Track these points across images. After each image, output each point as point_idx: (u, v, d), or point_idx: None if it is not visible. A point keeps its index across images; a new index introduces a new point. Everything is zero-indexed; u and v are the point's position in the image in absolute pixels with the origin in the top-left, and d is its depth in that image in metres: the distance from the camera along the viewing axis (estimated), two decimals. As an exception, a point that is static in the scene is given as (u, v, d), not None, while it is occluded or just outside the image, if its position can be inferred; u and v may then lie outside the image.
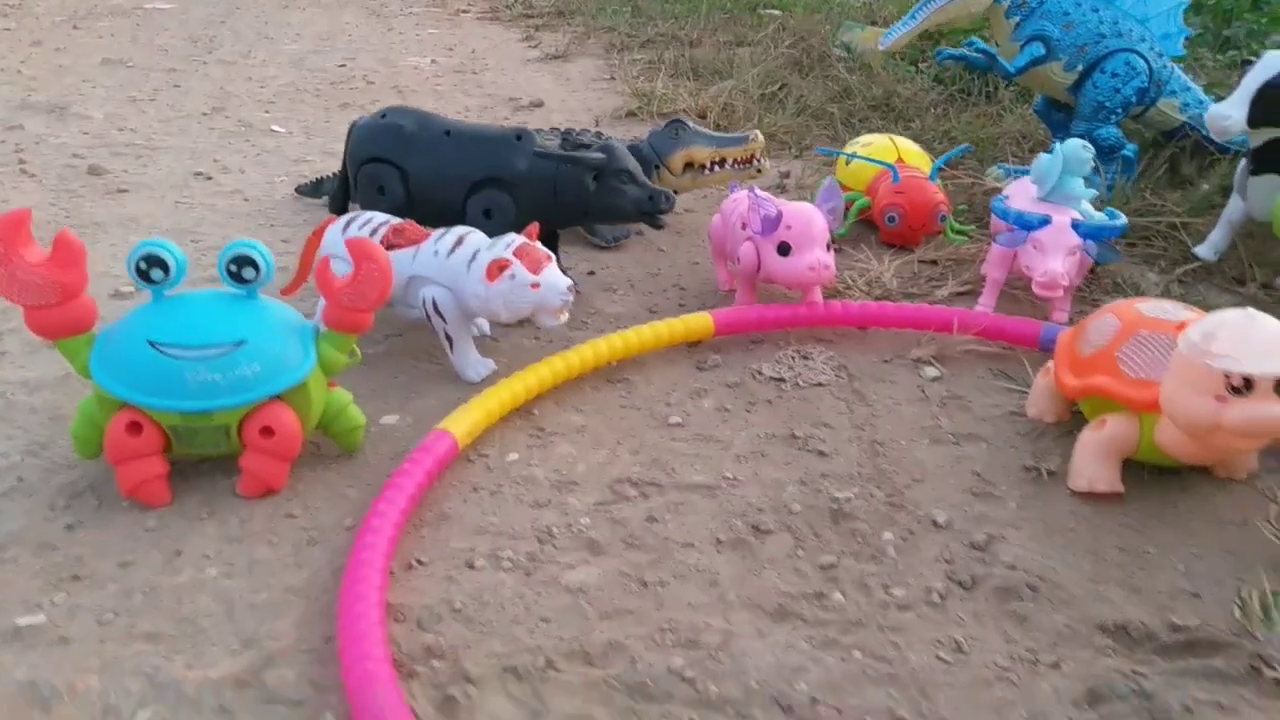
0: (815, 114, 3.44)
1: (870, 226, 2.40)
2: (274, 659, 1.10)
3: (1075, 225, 1.78)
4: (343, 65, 4.58)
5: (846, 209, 2.34)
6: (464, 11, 6.43)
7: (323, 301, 1.40)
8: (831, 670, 1.10)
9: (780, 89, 3.73)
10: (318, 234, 1.73)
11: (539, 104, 3.79)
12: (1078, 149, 1.85)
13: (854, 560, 1.29)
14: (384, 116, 2.01)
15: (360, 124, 2.05)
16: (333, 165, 2.79)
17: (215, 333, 1.32)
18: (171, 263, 1.33)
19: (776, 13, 5.33)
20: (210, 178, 2.85)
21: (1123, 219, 1.82)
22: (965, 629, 1.17)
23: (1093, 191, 1.88)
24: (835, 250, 2.26)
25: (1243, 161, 2.08)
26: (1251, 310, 1.25)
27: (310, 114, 3.65)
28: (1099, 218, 1.83)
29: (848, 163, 2.47)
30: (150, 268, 1.33)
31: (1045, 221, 1.77)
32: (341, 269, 1.43)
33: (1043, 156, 1.89)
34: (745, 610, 1.20)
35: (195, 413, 1.31)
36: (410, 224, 1.72)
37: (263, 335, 1.34)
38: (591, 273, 2.21)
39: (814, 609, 1.20)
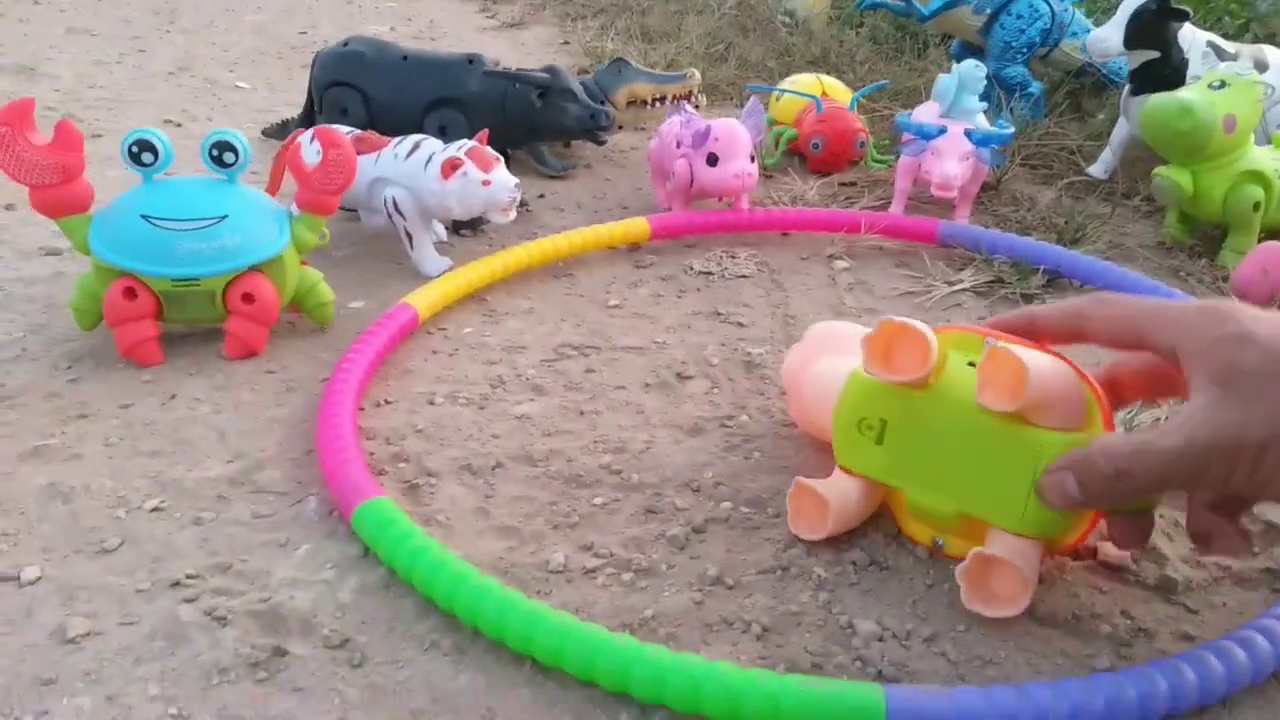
0: (755, 69, 3.65)
1: (801, 157, 2.61)
2: (262, 464, 1.29)
3: (968, 134, 2.00)
4: (303, 33, 4.71)
5: (779, 136, 2.56)
6: (422, -12, 6.57)
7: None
8: (735, 465, 1.31)
9: (725, 48, 3.94)
10: (287, 147, 1.91)
11: (495, 64, 3.96)
12: (971, 69, 2.08)
13: (761, 396, 1.50)
14: (346, 44, 2.19)
15: (324, 52, 2.23)
16: (296, 112, 2.96)
17: (201, 208, 1.50)
18: (160, 148, 1.51)
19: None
20: (180, 125, 3.00)
21: (1010, 128, 2.06)
22: (850, 437, 1.38)
23: (985, 105, 2.11)
24: (768, 177, 2.50)
25: (1126, 86, 2.32)
26: None
27: (273, 72, 3.79)
28: (990, 128, 2.06)
29: (778, 98, 2.69)
30: (141, 151, 1.50)
31: (941, 131, 2.00)
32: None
33: (942, 77, 2.11)
34: (666, 429, 1.41)
35: (185, 279, 1.49)
36: (371, 133, 1.90)
37: (243, 212, 1.53)
38: (541, 196, 2.40)
39: (724, 427, 1.41)
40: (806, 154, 2.51)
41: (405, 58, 2.10)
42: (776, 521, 1.20)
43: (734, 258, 2.03)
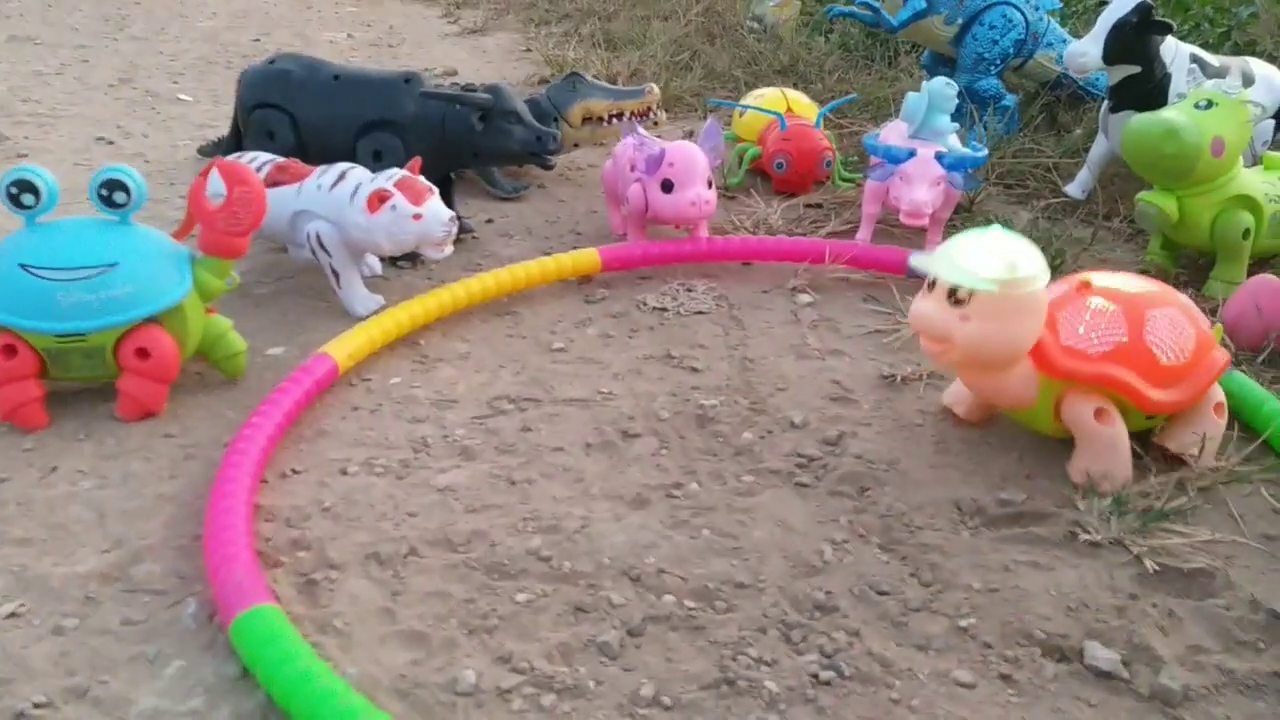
0: (721, 78, 3.51)
1: (764, 177, 2.47)
2: (141, 555, 1.14)
3: (939, 157, 1.87)
4: (257, 40, 4.54)
5: (742, 154, 2.42)
6: (386, -8, 6.39)
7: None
8: (680, 546, 1.17)
9: (690, 57, 3.80)
10: (204, 175, 1.75)
11: (453, 73, 3.81)
12: (942, 87, 1.95)
13: (713, 458, 1.36)
14: (272, 63, 2.03)
15: (249, 71, 2.06)
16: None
17: (86, 255, 1.34)
18: (42, 188, 1.35)
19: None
20: (112, 142, 2.83)
21: (984, 150, 1.93)
22: (809, 508, 1.25)
23: (956, 125, 1.98)
24: (730, 198, 2.36)
25: (1105, 102, 2.19)
26: (994, 229, 1.22)
27: (219, 83, 3.62)
28: (962, 150, 1.93)
29: (741, 114, 2.55)
30: (21, 193, 1.34)
31: (910, 155, 1.87)
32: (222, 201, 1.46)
33: (910, 95, 1.98)
34: (606, 501, 1.26)
35: (68, 334, 1.34)
36: (294, 161, 1.75)
37: (135, 258, 1.37)
38: (490, 220, 2.25)
39: (670, 497, 1.27)
40: (770, 173, 2.37)
41: (337, 77, 1.95)
42: (725, 618, 1.06)
43: (691, 291, 1.89)
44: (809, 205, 2.31)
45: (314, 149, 1.96)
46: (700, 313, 1.81)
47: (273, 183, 1.70)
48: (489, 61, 4.10)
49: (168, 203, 2.24)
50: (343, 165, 1.71)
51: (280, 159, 1.77)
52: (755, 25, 4.18)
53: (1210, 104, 1.76)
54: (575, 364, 1.62)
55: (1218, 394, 1.30)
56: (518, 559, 1.14)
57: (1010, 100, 2.62)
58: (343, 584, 1.10)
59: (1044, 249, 1.94)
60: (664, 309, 1.82)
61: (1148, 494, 1.23)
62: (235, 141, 2.17)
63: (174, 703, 0.93)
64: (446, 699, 0.95)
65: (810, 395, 1.52)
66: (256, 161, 1.74)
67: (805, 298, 1.86)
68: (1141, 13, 2.00)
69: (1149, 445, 1.32)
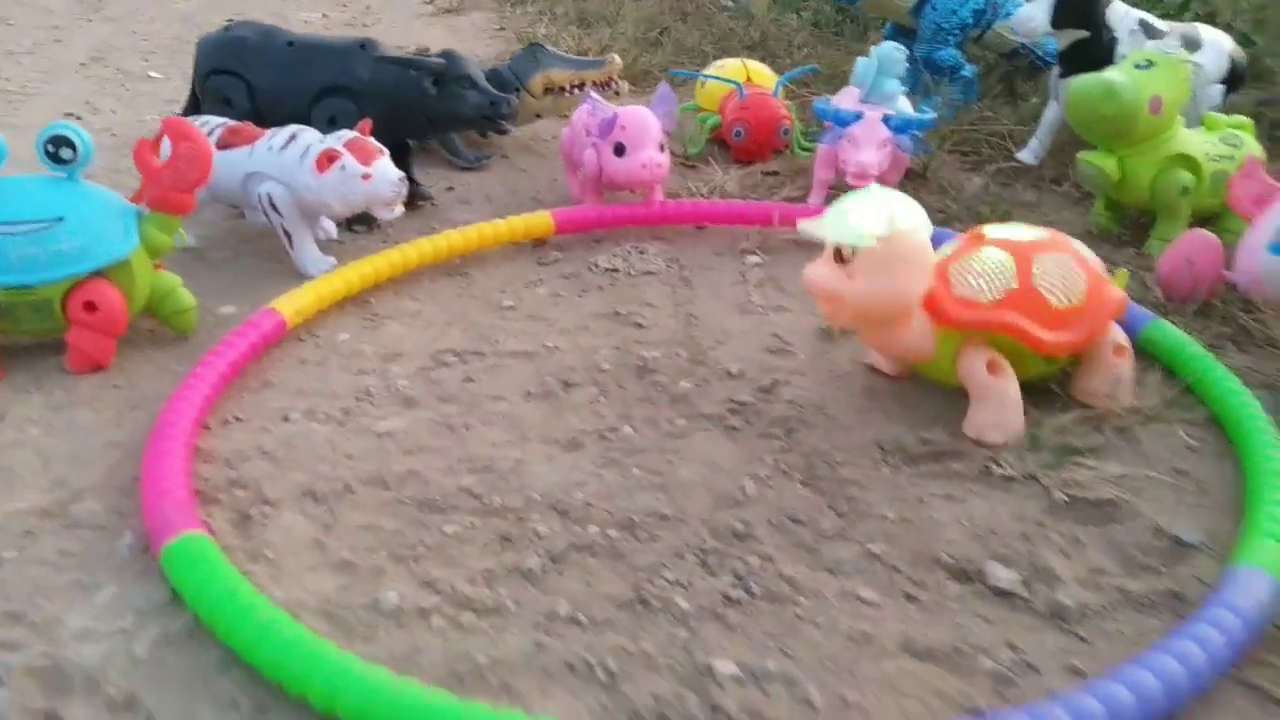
0: (691, 54, 3.53)
1: (725, 145, 2.50)
2: (82, 494, 1.17)
3: (886, 120, 1.90)
4: (231, 20, 4.54)
5: (703, 123, 2.45)
6: (363, -27, 6.39)
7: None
8: (609, 483, 1.21)
9: (661, 33, 3.82)
10: (156, 141, 1.77)
11: (425, 50, 3.82)
12: (890, 51, 1.98)
13: (650, 404, 1.39)
14: (228, 29, 2.05)
15: (205, 38, 2.09)
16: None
17: (33, 209, 1.37)
18: (79, 144, 1.38)
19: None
20: (80, 118, 2.85)
21: (931, 113, 1.96)
22: (738, 449, 1.28)
23: (904, 88, 2.01)
24: (691, 166, 2.39)
25: (1056, 67, 2.23)
26: (873, 188, 1.27)
27: (190, 61, 3.63)
28: (910, 113, 1.96)
29: (702, 84, 2.58)
30: (59, 149, 1.37)
31: (857, 117, 1.90)
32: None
33: (860, 60, 2.01)
34: (541, 444, 1.30)
35: (15, 287, 1.36)
36: (246, 125, 1.77)
37: (82, 213, 1.40)
38: (451, 188, 2.28)
39: (604, 440, 1.30)
40: (730, 142, 2.40)
41: (291, 43, 1.97)
42: (646, 546, 1.10)
43: (643, 253, 1.92)
44: (766, 173, 2.34)
45: (269, 115, 1.98)
46: (650, 273, 1.84)
47: (225, 145, 1.73)
48: (463, 40, 4.11)
49: (129, 171, 2.25)
50: (294, 127, 1.73)
51: (232, 122, 1.79)
52: (730, 3, 4.20)
53: (1149, 64, 1.79)
54: (523, 321, 1.65)
55: (1118, 337, 1.33)
56: (449, 495, 1.18)
57: (969, 70, 2.65)
58: (276, 519, 1.13)
59: (992, 212, 2.00)
60: (615, 270, 1.85)
61: (1064, 431, 1.27)
62: (194, 108, 2.20)
63: (105, 624, 0.97)
64: (369, 619, 0.98)
65: (749, 348, 1.55)
66: (209, 125, 1.77)
67: (754, 259, 1.89)
68: (1087, -23, 2.03)
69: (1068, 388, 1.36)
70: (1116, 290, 1.33)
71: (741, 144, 2.37)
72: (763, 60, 3.39)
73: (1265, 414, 1.25)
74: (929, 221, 1.24)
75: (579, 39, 3.72)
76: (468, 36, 4.21)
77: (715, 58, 3.44)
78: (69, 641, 0.94)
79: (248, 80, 1.99)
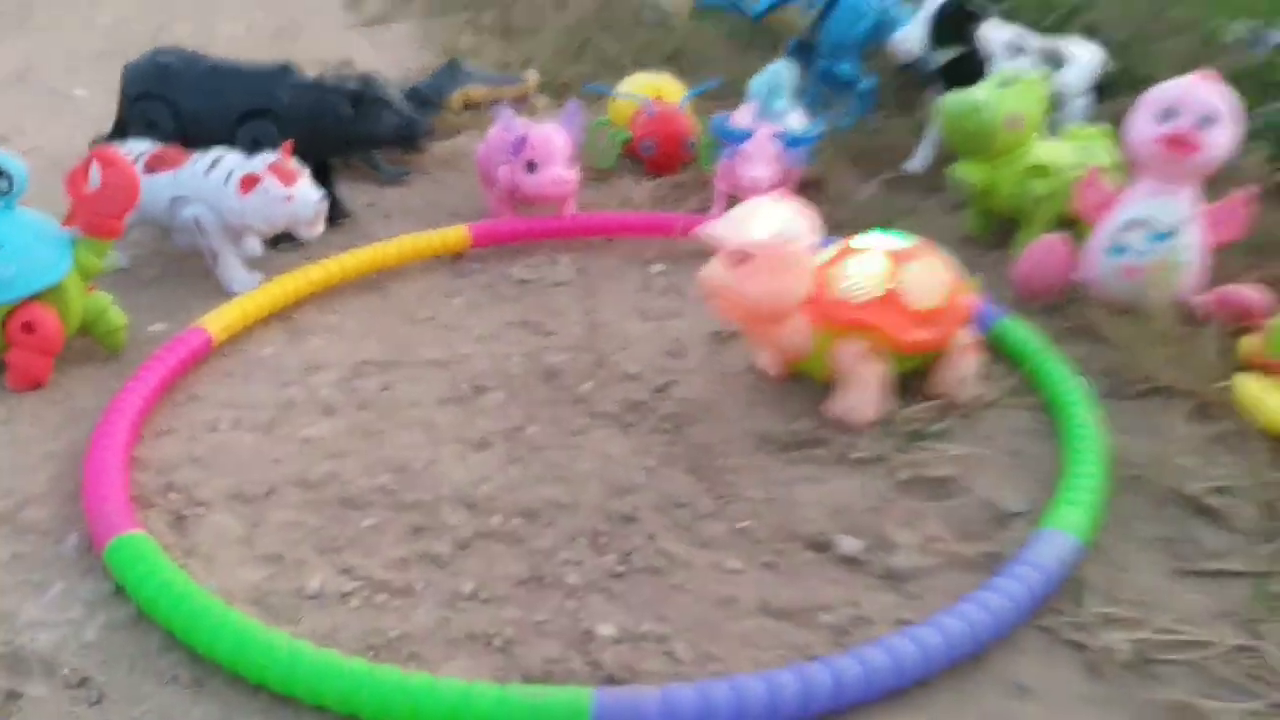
0: (612, 65, 3.67)
1: (637, 159, 2.65)
2: (28, 503, 1.28)
3: (777, 135, 2.06)
4: (156, 34, 4.57)
5: (614, 139, 2.59)
6: (291, -19, 6.41)
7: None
8: (513, 477, 1.35)
9: (583, 44, 3.95)
10: (85, 168, 1.86)
11: (348, 64, 3.90)
12: (780, 70, 2.15)
13: (554, 406, 1.54)
14: (153, 56, 2.15)
15: (130, 64, 2.18)
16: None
17: (-30, 238, 1.46)
18: (14, 173, 1.47)
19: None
20: (6, 139, 2.89)
21: (818, 129, 2.13)
22: (632, 441, 1.43)
23: (790, 108, 2.17)
24: (603, 179, 2.53)
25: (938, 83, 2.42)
26: (765, 198, 1.43)
27: (116, 78, 3.66)
28: (798, 130, 2.13)
29: (613, 100, 2.73)
30: None
31: (749, 134, 2.06)
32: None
33: (754, 80, 2.17)
34: (453, 444, 1.43)
35: (-45, 312, 1.46)
36: (171, 149, 1.87)
37: (18, 240, 1.50)
38: (371, 204, 2.40)
39: (510, 440, 1.44)
40: (640, 155, 2.55)
41: (215, 68, 2.07)
42: (544, 532, 1.24)
43: (555, 264, 2.06)
44: (674, 185, 2.50)
45: (195, 137, 2.08)
46: (561, 283, 1.99)
47: (151, 170, 1.83)
48: (388, 51, 4.20)
49: (59, 189, 2.32)
50: (217, 151, 1.84)
51: (157, 147, 1.89)
52: (651, 13, 4.36)
53: (1010, 82, 1.98)
54: (439, 331, 1.78)
55: (970, 335, 1.51)
56: (367, 493, 1.31)
57: (867, 83, 2.83)
58: (208, 518, 1.25)
59: (880, 219, 2.17)
60: (528, 280, 1.99)
61: (915, 419, 1.45)
62: (120, 131, 2.28)
63: (56, 614, 1.08)
64: (294, 602, 1.11)
65: (648, 351, 1.70)
66: (135, 150, 1.87)
67: (658, 268, 2.05)
68: (959, 1, 2.23)
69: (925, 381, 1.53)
70: (970, 294, 1.51)
71: (651, 157, 2.53)
72: (680, 71, 3.57)
73: (1088, 398, 1.44)
74: (815, 229, 1.40)
75: (503, 50, 3.84)
76: (392, 48, 4.30)
77: (635, 69, 3.61)
78: (25, 630, 1.06)
79: (173, 104, 2.09)
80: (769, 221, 1.33)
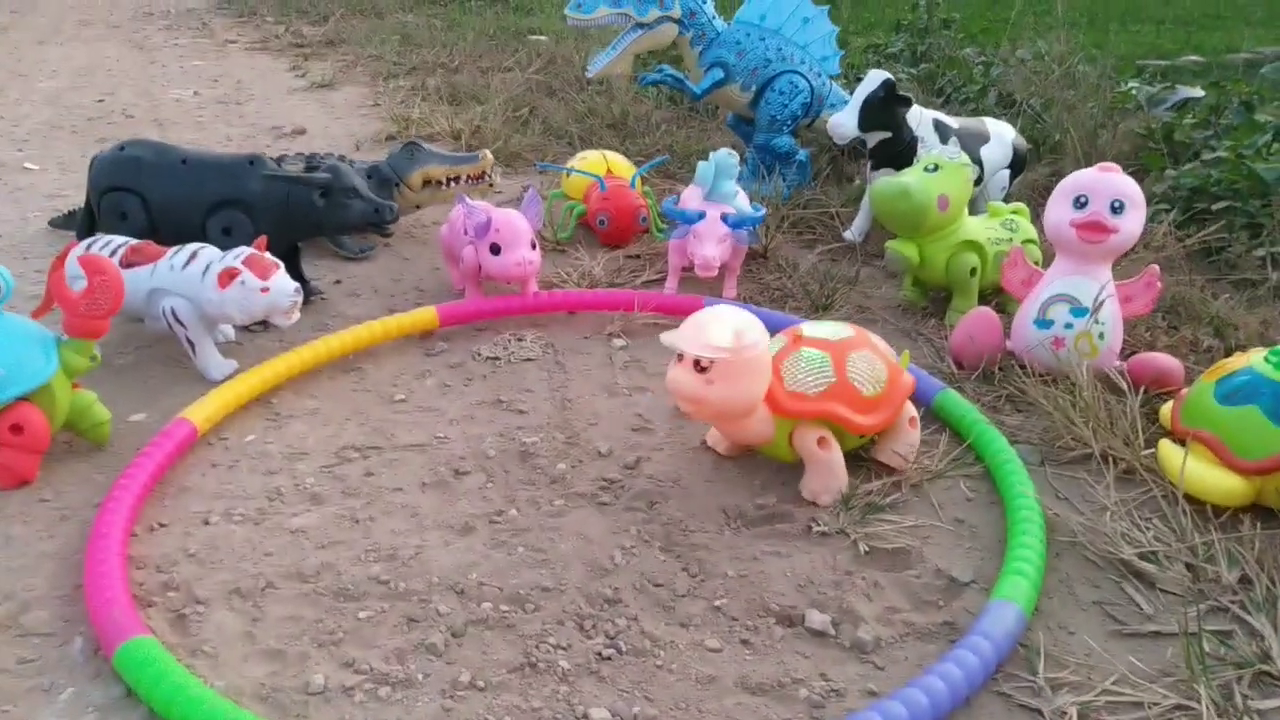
0: (558, 133, 3.81)
1: (592, 231, 2.76)
2: (29, 605, 1.31)
3: (725, 218, 2.20)
4: (101, 100, 4.58)
5: (569, 211, 2.70)
6: (232, 43, 6.45)
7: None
8: (498, 563, 1.43)
9: (529, 111, 4.08)
10: (61, 259, 1.91)
11: (301, 131, 3.98)
12: (725, 157, 2.28)
13: (531, 487, 1.62)
14: (122, 149, 2.20)
15: (100, 156, 2.23)
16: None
17: (-41, 344, 1.50)
18: (1, 284, 1.51)
19: (544, 38, 5.72)
20: (-42, 217, 2.89)
21: (762, 211, 2.27)
22: (607, 522, 1.52)
23: (737, 190, 2.30)
24: (561, 252, 2.64)
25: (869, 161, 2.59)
26: (720, 306, 1.57)
27: (65, 150, 3.68)
28: (746, 210, 2.27)
29: (567, 176, 2.84)
30: None
31: (700, 216, 2.19)
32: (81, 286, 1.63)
33: (701, 164, 2.30)
34: (438, 530, 1.50)
35: (-57, 416, 1.49)
36: (148, 243, 1.93)
37: (6, 344, 1.54)
38: (338, 281, 2.47)
39: (493, 523, 1.52)
40: (594, 229, 2.67)
41: (185, 160, 2.13)
42: (533, 616, 1.32)
43: (521, 340, 2.15)
44: (629, 256, 2.62)
45: (165, 228, 2.14)
46: (529, 360, 2.08)
47: (128, 264, 1.88)
48: (338, 117, 4.28)
49: (23, 277, 2.35)
50: (193, 246, 1.90)
51: (134, 241, 1.94)
52: (591, 75, 4.50)
53: (936, 167, 2.15)
54: (415, 413, 1.86)
55: (910, 411, 1.64)
56: (360, 583, 1.37)
57: (803, 155, 3.00)
58: (209, 616, 1.30)
59: (821, 289, 2.31)
60: (497, 358, 2.08)
61: (870, 492, 1.57)
62: (89, 222, 2.32)
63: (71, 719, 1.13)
64: (300, 699, 1.17)
65: (617, 427, 1.80)
66: (111, 245, 1.92)
67: (619, 342, 2.15)
68: (887, 88, 2.41)
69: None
70: (908, 375, 1.64)
71: (605, 231, 2.65)
72: (624, 138, 3.71)
73: (1024, 467, 1.58)
74: (767, 334, 1.51)
75: (450, 119, 3.94)
76: (342, 113, 4.38)
77: (580, 137, 3.74)
78: (41, 739, 1.10)
79: (143, 195, 2.14)
80: (726, 329, 1.44)
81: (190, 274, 1.85)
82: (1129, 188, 1.83)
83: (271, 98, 4.68)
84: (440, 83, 4.69)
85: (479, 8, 7.35)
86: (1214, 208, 2.62)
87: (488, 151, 2.77)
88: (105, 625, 1.21)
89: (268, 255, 1.88)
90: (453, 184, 2.72)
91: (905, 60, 4.65)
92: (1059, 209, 1.86)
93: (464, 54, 5.37)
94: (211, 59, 5.78)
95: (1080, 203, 1.83)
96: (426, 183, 2.69)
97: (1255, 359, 1.58)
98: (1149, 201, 2.57)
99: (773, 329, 1.86)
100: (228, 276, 1.81)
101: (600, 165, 2.80)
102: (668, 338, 1.47)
